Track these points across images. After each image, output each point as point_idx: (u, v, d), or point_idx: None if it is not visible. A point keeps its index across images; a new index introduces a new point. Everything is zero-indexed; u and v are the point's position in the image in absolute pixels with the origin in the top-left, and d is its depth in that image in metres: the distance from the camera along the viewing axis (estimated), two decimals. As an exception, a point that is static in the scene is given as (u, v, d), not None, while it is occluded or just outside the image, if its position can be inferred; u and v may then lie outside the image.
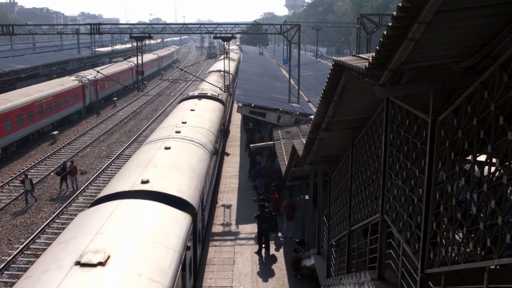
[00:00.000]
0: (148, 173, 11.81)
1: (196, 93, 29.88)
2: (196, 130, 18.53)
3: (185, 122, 19.22)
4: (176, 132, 17.18)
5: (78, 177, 24.36)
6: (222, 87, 33.20)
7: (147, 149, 15.28)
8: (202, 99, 26.65)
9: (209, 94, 28.65)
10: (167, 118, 22.83)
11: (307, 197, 17.21)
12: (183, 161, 13.83)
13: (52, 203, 21.88)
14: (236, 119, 39.58)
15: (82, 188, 23.45)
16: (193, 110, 22.66)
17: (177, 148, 15.00)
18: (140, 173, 11.84)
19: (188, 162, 13.98)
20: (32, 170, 26.46)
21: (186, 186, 11.75)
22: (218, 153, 22.31)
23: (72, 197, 22.27)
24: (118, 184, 11.34)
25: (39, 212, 20.82)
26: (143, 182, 10.96)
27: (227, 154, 28.56)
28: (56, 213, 20.34)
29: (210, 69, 49.87)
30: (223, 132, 27.20)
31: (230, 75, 35.88)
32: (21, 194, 22.49)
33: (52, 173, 25.41)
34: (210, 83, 33.86)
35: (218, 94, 29.87)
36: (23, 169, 26.48)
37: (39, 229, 18.79)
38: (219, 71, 42.94)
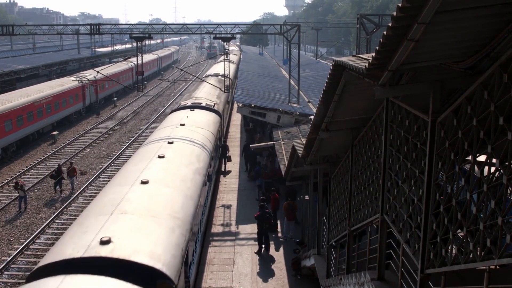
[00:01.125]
0: (112, 226, 8.74)
1: (189, 102, 26.44)
2: (184, 154, 15.12)
3: (171, 143, 15.76)
4: (159, 157, 13.69)
5: (78, 177, 24.32)
6: (219, 95, 30.56)
7: (120, 182, 11.66)
8: (195, 110, 23.46)
9: (203, 104, 25.45)
10: (152, 136, 19.13)
11: (307, 197, 17.21)
12: (163, 202, 10.48)
13: (52, 204, 21.89)
14: (236, 119, 39.62)
15: (82, 189, 23.47)
16: (183, 125, 19.26)
17: (158, 182, 11.50)
18: (102, 225, 8.76)
19: (170, 204, 10.56)
20: (32, 171, 26.49)
21: (162, 245, 8.62)
22: (212, 180, 18.69)
23: (72, 197, 22.27)
24: (68, 246, 8.16)
25: (39, 213, 20.82)
26: (103, 242, 7.94)
27: (226, 174, 25.54)
28: (56, 214, 20.35)
29: (207, 73, 45.44)
30: (219, 149, 24.14)
31: (229, 80, 33.81)
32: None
33: (50, 176, 25.24)
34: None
35: (214, 104, 26.70)
36: (23, 169, 26.49)
37: (39, 230, 18.80)
38: (216, 75, 39.96)
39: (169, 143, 15.68)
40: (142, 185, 11.07)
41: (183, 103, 26.94)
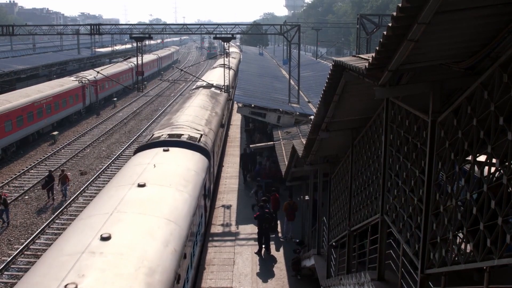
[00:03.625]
0: None
1: (165, 132, 18.43)
2: (133, 248, 8.21)
3: (107, 238, 8.23)
4: (85, 265, 7.29)
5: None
6: (210, 119, 22.67)
7: None
8: (171, 149, 15.46)
9: (185, 137, 17.59)
10: (83, 214, 10.31)
11: (307, 197, 17.21)
12: None
13: (52, 205, 21.87)
14: (236, 119, 39.65)
15: (82, 189, 23.47)
16: (142, 186, 11.39)
17: None
18: None
19: None
20: (32, 171, 26.49)
21: None
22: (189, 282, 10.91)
23: (72, 198, 22.27)
24: None
25: (39, 213, 20.83)
26: None
27: None
28: (56, 214, 20.35)
29: (198, 84, 34.95)
30: (206, 214, 16.09)
31: (227, 92, 28.97)
32: (21, 195, 22.56)
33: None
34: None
35: (201, 136, 18.44)
36: (22, 169, 26.49)
37: (39, 230, 18.80)
38: (209, 86, 31.72)
39: (102, 239, 8.21)
40: None
41: (156, 133, 19.00)
